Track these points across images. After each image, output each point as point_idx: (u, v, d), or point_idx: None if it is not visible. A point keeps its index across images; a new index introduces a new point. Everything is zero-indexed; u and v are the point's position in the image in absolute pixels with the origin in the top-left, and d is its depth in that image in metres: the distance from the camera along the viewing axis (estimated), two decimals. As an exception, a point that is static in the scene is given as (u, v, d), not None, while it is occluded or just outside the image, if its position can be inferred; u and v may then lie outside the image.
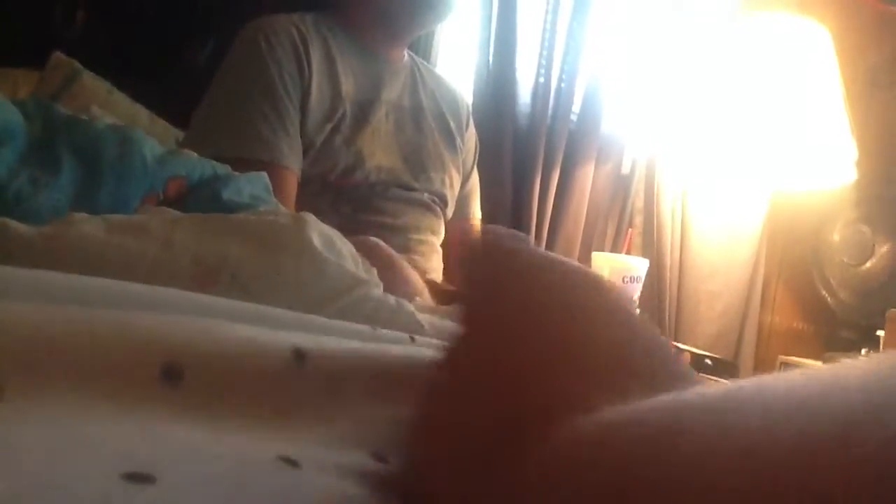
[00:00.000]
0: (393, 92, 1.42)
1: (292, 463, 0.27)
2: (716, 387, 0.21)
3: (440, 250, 1.46)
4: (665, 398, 0.21)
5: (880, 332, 1.64)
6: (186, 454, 0.25)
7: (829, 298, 2.03)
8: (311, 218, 0.66)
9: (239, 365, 0.31)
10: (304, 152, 1.27)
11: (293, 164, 1.24)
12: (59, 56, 1.51)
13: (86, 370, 0.28)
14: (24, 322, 0.29)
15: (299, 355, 0.33)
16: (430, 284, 1.05)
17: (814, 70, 1.78)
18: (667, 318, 2.06)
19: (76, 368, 0.28)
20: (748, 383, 0.20)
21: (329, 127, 1.29)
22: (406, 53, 1.50)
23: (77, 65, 1.50)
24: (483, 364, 0.28)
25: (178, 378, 0.29)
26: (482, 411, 0.26)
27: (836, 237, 2.02)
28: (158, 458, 0.23)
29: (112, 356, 0.29)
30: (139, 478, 0.22)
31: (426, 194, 1.41)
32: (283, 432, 0.30)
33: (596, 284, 0.32)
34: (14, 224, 0.57)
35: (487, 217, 1.66)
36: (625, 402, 0.22)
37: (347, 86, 1.34)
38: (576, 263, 0.34)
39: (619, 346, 0.28)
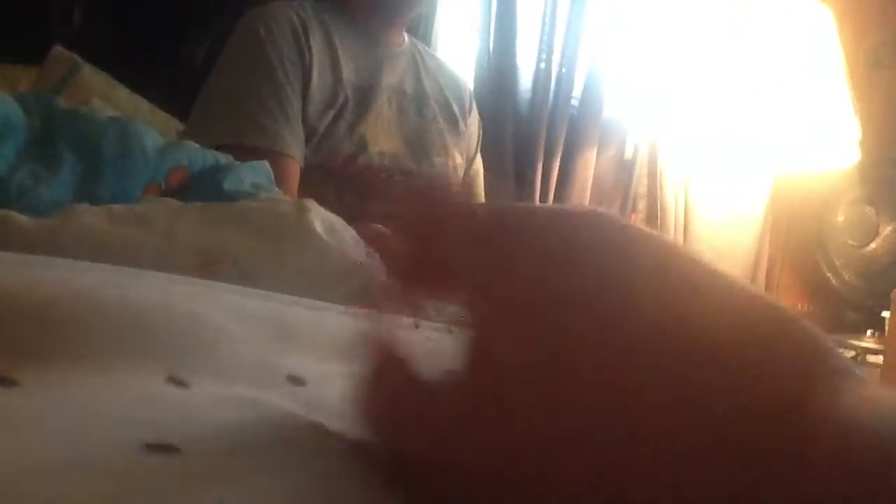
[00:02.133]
0: (394, 77, 1.41)
1: (326, 431, 0.26)
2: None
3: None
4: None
5: (885, 313, 1.63)
6: (209, 423, 0.25)
7: (833, 280, 2.02)
8: (312, 204, 0.66)
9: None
10: (307, 140, 1.27)
11: (295, 151, 1.24)
12: (58, 50, 1.50)
13: (95, 356, 0.28)
14: (33, 302, 0.29)
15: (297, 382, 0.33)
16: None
17: (816, 51, 1.77)
18: (671, 302, 2.06)
19: (86, 353, 0.28)
20: None
21: (331, 113, 1.29)
22: (406, 38, 1.49)
23: (77, 58, 1.50)
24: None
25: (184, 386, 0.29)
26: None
27: (840, 218, 2.01)
28: (181, 427, 0.23)
29: (121, 359, 0.29)
30: (162, 448, 0.21)
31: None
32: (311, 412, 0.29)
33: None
34: (16, 216, 0.57)
35: (489, 202, 1.65)
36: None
37: (348, 72, 1.33)
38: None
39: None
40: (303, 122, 1.26)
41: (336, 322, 0.45)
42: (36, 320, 0.28)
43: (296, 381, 0.32)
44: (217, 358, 0.31)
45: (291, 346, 0.37)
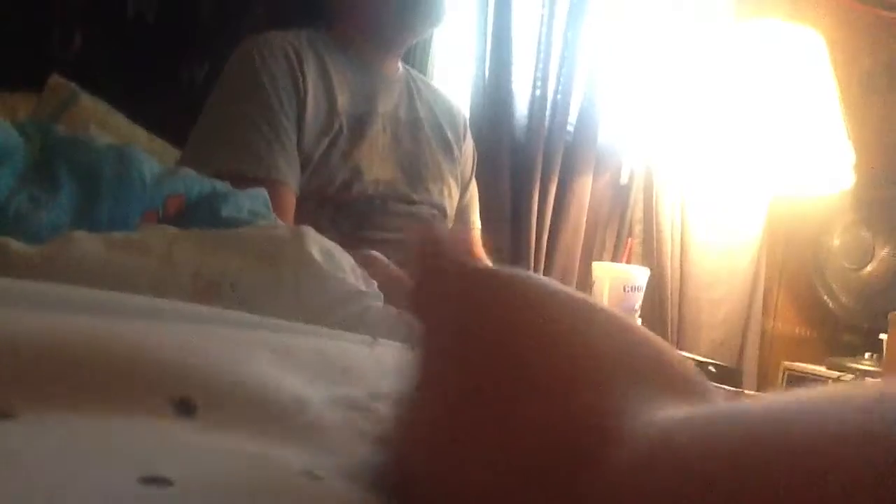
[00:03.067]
0: (389, 104, 1.42)
1: (316, 477, 0.26)
2: (764, 398, 0.22)
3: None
4: (723, 407, 0.22)
5: (883, 336, 1.63)
6: (205, 461, 0.25)
7: (830, 303, 2.03)
8: (310, 231, 0.66)
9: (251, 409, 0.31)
10: (302, 168, 1.27)
11: (290, 179, 1.25)
12: (56, 78, 1.51)
13: (97, 393, 0.28)
14: (32, 340, 0.29)
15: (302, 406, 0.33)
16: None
17: (809, 76, 1.78)
18: (669, 326, 2.06)
19: (86, 391, 0.28)
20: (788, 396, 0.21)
21: (326, 141, 1.30)
22: (401, 66, 1.50)
23: (75, 87, 1.51)
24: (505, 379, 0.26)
25: (191, 412, 0.29)
26: (521, 426, 0.24)
27: (835, 242, 2.02)
28: (177, 463, 0.23)
29: (124, 385, 0.29)
30: (156, 481, 0.22)
31: (425, 207, 1.41)
32: (307, 449, 0.29)
33: (586, 300, 0.31)
34: (14, 243, 0.58)
35: (486, 228, 1.66)
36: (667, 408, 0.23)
37: (343, 100, 1.34)
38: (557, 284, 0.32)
39: (640, 355, 0.28)
40: (298, 150, 1.27)
41: (334, 347, 0.45)
42: (33, 356, 0.29)
43: (299, 403, 0.32)
44: (221, 385, 0.31)
45: (293, 373, 0.37)
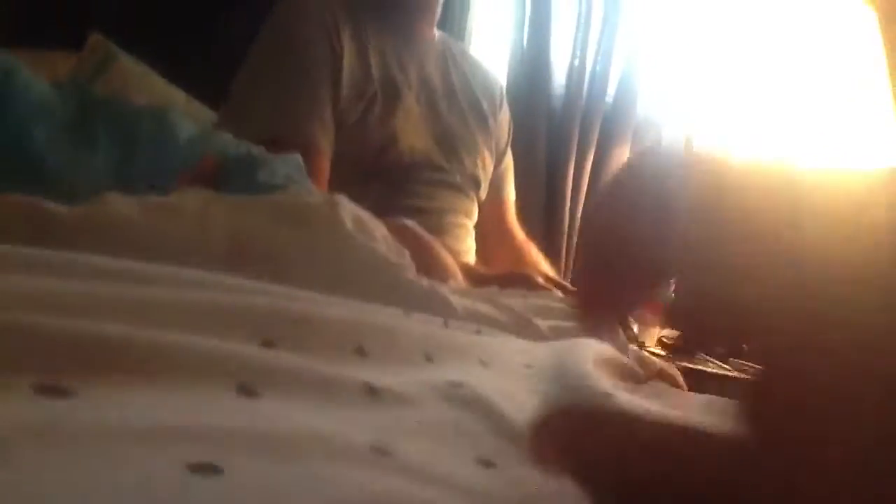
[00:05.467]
0: (425, 73, 1.41)
1: (382, 451, 0.26)
2: None
3: (473, 233, 1.45)
4: None
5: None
6: (258, 445, 0.24)
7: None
8: (343, 199, 0.66)
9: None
10: (336, 134, 1.27)
11: (325, 145, 1.24)
12: (96, 38, 1.52)
13: (158, 370, 0.28)
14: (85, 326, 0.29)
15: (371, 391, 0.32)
16: (464, 267, 1.04)
17: (857, 50, 1.74)
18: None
19: (147, 367, 0.28)
20: None
21: (360, 107, 1.29)
22: (438, 33, 1.48)
23: (114, 47, 1.51)
24: None
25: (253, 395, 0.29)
26: None
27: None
28: (227, 449, 0.23)
29: (182, 370, 0.29)
30: (206, 469, 0.21)
31: (458, 176, 1.40)
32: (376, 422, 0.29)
33: None
34: (49, 204, 0.58)
35: (521, 199, 1.65)
36: None
37: (377, 66, 1.33)
38: None
39: None
40: (333, 115, 1.26)
41: (412, 329, 0.45)
42: (94, 335, 0.28)
43: (371, 392, 0.32)
44: (291, 371, 0.31)
45: (369, 358, 0.36)
